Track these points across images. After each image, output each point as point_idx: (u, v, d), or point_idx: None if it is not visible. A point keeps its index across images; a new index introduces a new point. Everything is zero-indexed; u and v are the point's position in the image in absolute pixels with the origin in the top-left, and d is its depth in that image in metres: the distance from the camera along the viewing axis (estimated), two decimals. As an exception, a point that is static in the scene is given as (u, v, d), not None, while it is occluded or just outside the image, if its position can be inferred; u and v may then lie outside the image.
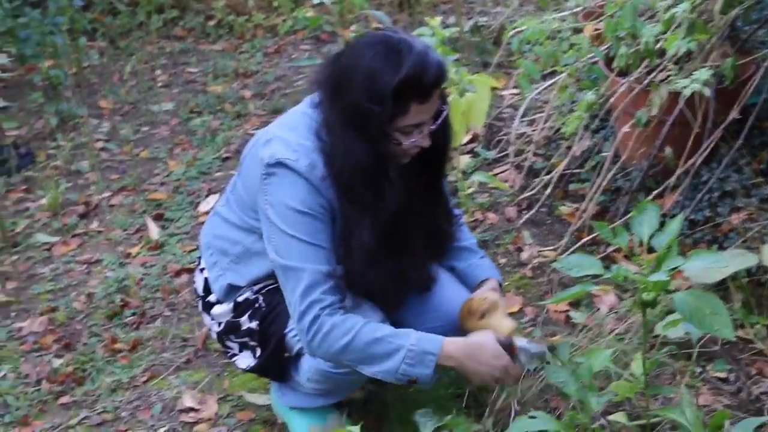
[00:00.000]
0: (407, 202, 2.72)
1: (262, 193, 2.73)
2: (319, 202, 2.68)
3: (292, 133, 2.74)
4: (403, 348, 2.67)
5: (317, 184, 2.66)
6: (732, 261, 3.25)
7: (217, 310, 2.98)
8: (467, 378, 2.80)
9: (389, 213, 2.67)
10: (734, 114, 3.51)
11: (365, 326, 2.67)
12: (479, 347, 2.72)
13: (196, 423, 3.33)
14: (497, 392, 3.04)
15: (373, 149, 2.62)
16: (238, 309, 2.93)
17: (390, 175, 2.65)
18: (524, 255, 3.94)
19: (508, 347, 2.74)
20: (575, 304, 3.64)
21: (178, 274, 4.18)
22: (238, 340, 2.97)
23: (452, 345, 2.71)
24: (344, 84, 2.61)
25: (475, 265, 3.05)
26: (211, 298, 3.00)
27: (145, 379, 3.57)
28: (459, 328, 2.88)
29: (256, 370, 3.00)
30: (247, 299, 2.92)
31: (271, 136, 2.77)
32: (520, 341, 2.77)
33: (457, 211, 3.13)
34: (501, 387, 3.02)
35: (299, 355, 2.90)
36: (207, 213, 4.55)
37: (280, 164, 2.67)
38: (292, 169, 2.66)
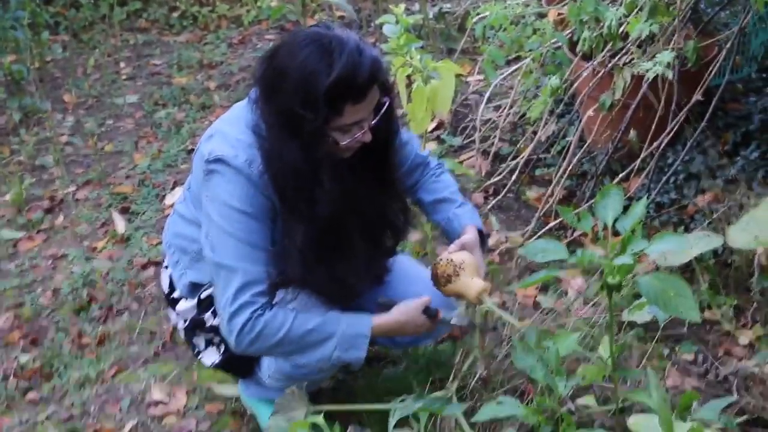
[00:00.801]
0: (349, 204, 2.67)
1: (204, 188, 2.70)
2: (258, 200, 2.64)
3: (232, 128, 2.70)
4: (335, 335, 2.69)
5: (256, 180, 2.62)
6: (697, 243, 3.27)
7: (181, 306, 2.96)
8: None
9: (322, 219, 2.63)
10: (698, 96, 3.52)
11: (295, 320, 2.67)
12: (404, 323, 2.77)
13: (164, 416, 3.30)
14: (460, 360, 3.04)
15: (306, 154, 2.57)
16: (202, 305, 2.91)
17: (323, 181, 2.60)
18: (492, 240, 3.94)
19: (433, 315, 2.78)
20: (544, 289, 3.65)
21: (144, 267, 4.15)
22: (203, 336, 2.95)
23: (379, 323, 2.75)
24: (276, 86, 2.56)
25: (452, 216, 3.02)
26: (176, 294, 2.98)
27: (113, 373, 3.54)
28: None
29: (221, 366, 2.98)
30: (210, 296, 2.89)
31: (213, 131, 2.74)
32: (445, 313, 2.80)
33: (434, 162, 3.12)
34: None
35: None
36: (173, 205, 4.52)
37: (219, 160, 2.64)
38: (231, 165, 2.62)
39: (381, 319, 2.76)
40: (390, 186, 2.87)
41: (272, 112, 2.59)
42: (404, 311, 2.79)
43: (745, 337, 3.22)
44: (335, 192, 2.61)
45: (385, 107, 2.65)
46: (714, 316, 3.29)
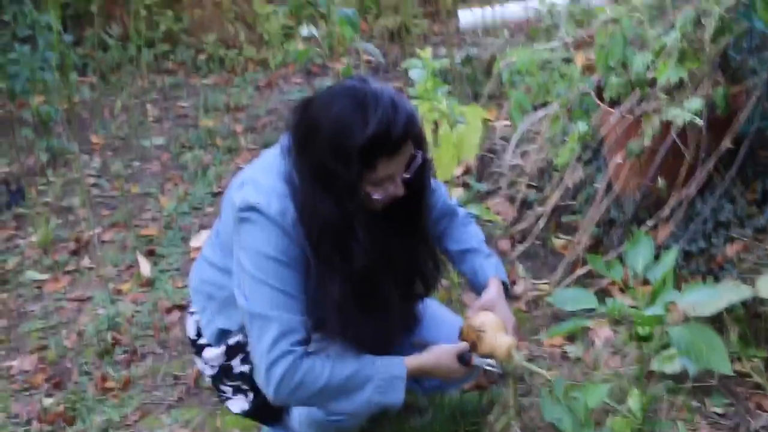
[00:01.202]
0: (381, 255, 2.66)
1: (236, 236, 2.69)
2: (291, 250, 2.62)
3: (264, 177, 2.69)
4: (372, 379, 2.67)
5: (289, 230, 2.61)
6: (727, 293, 3.22)
7: (208, 353, 2.94)
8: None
9: (357, 272, 2.62)
10: (727, 143, 3.48)
11: (334, 368, 2.65)
12: (436, 366, 2.77)
13: (188, 462, 3.29)
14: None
15: (340, 208, 2.56)
16: (230, 353, 2.90)
17: (357, 234, 2.59)
18: (518, 288, 3.91)
19: (467, 361, 2.78)
20: (571, 338, 3.60)
21: (169, 311, 4.14)
22: (231, 383, 2.93)
23: (412, 364, 2.74)
24: (310, 138, 2.56)
25: (478, 268, 3.00)
26: (203, 341, 2.96)
27: (136, 418, 3.53)
28: None
29: (250, 414, 2.96)
30: (238, 342, 2.87)
31: (245, 179, 2.73)
32: (478, 360, 2.79)
33: (462, 211, 3.11)
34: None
35: (289, 401, 2.87)
36: (198, 249, 4.52)
37: (252, 209, 2.62)
38: (264, 214, 2.61)
39: (414, 361, 2.75)
40: (421, 236, 2.85)
41: (305, 165, 2.58)
42: (438, 354, 2.78)
43: (776, 390, 3.16)
44: (369, 245, 2.60)
45: (418, 160, 2.64)
46: (744, 369, 3.24)
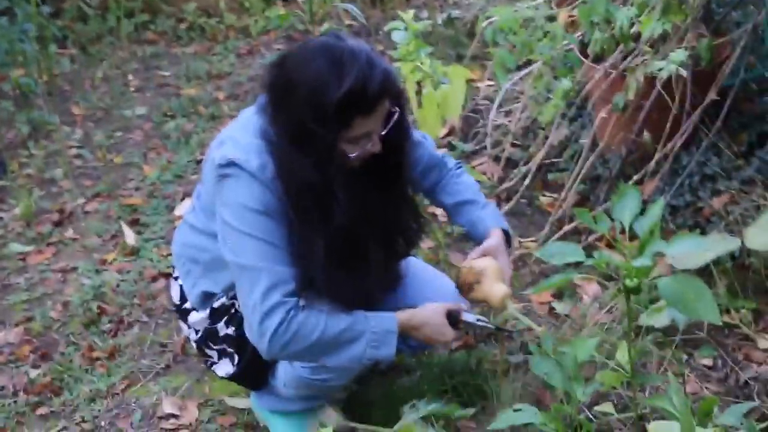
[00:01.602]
0: (361, 213, 2.64)
1: (217, 194, 2.67)
2: (273, 202, 2.60)
3: (242, 134, 2.67)
4: (365, 333, 2.67)
5: (269, 184, 2.59)
6: (714, 245, 3.20)
7: (193, 317, 2.93)
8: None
9: (337, 231, 2.60)
10: (712, 96, 3.47)
11: (329, 320, 2.63)
12: (425, 323, 2.77)
13: (176, 429, 3.27)
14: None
15: (318, 168, 2.54)
16: (214, 315, 2.88)
17: (337, 194, 2.57)
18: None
19: (456, 319, 2.80)
20: (559, 295, 3.60)
21: (155, 279, 4.11)
22: (217, 347, 2.91)
23: (403, 319, 2.75)
24: (286, 97, 2.53)
25: (477, 219, 3.00)
26: (187, 305, 2.94)
27: (123, 386, 3.50)
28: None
29: (235, 377, 2.95)
30: (222, 305, 2.86)
31: (224, 138, 2.72)
32: (468, 316, 2.82)
33: (452, 161, 3.10)
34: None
35: (276, 360, 2.85)
36: (182, 217, 4.49)
37: (232, 164, 2.60)
38: (244, 169, 2.59)
39: (405, 315, 2.75)
40: (401, 192, 2.83)
41: (282, 124, 2.56)
42: (428, 311, 2.79)
43: (765, 342, 3.16)
44: (349, 203, 2.58)
45: (395, 117, 2.61)
46: (732, 320, 3.24)
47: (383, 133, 2.60)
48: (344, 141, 2.55)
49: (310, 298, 2.63)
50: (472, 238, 3.06)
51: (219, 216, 2.66)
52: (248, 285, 2.61)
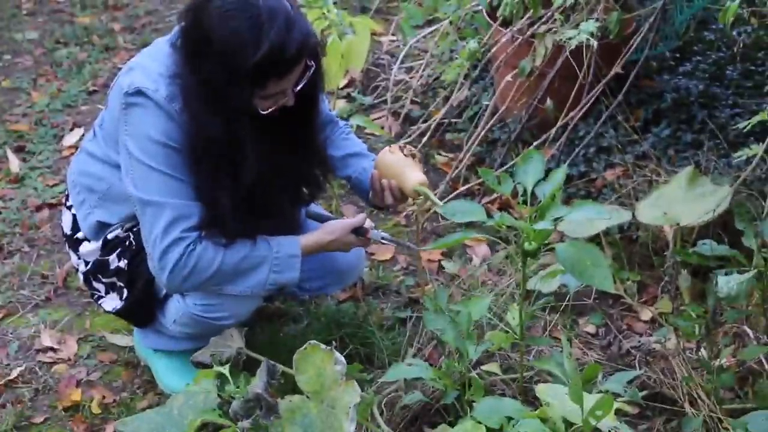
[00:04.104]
0: (271, 168, 2.61)
1: (122, 123, 2.59)
2: (179, 134, 2.55)
3: (153, 62, 2.59)
4: (268, 258, 2.66)
5: (176, 117, 2.53)
6: (609, 216, 3.26)
7: (84, 248, 2.85)
8: None
9: (246, 187, 2.58)
10: (617, 69, 3.51)
11: (227, 252, 2.61)
12: (332, 241, 2.80)
13: (54, 363, 3.19)
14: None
15: (227, 126, 2.50)
16: (107, 247, 2.81)
17: (246, 151, 2.54)
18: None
19: (363, 234, 2.83)
20: (448, 254, 3.61)
21: (38, 209, 3.99)
22: (106, 280, 2.85)
23: (307, 242, 2.75)
24: (201, 52, 2.46)
25: (366, 167, 2.97)
26: (79, 235, 2.86)
27: (0, 316, 3.40)
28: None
29: (122, 312, 2.88)
30: (117, 237, 2.79)
31: (134, 64, 2.64)
32: (374, 233, 2.85)
33: (341, 122, 3.07)
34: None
35: (166, 297, 2.81)
36: (71, 147, 4.37)
37: (139, 93, 2.54)
38: (152, 99, 2.53)
39: (309, 239, 2.76)
40: (311, 141, 2.80)
41: (193, 78, 2.50)
42: (332, 230, 2.80)
43: (646, 313, 3.23)
44: (258, 161, 2.55)
45: (311, 72, 2.57)
46: (617, 291, 3.30)
47: (297, 88, 2.56)
48: (257, 98, 2.51)
49: (212, 234, 2.60)
50: (357, 189, 3.03)
51: (123, 145, 2.59)
52: (150, 220, 2.57)
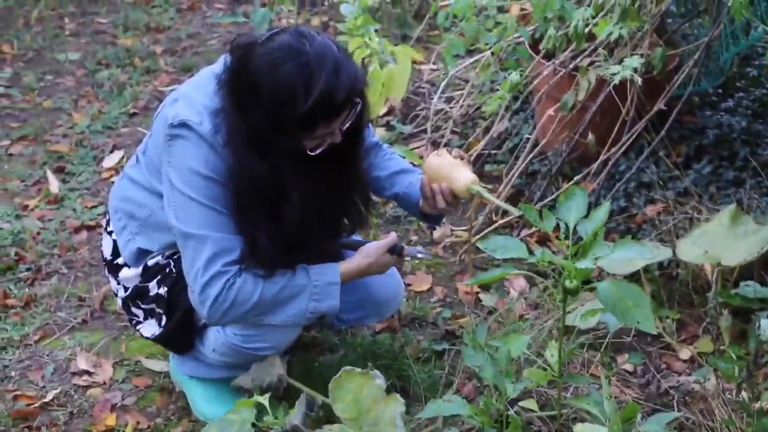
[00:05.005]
0: (315, 209, 2.61)
1: (165, 154, 2.60)
2: (222, 167, 2.55)
3: (198, 94, 2.60)
4: (307, 287, 2.66)
5: (220, 150, 2.54)
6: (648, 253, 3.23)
7: (124, 273, 2.86)
8: None
9: (289, 228, 2.58)
10: (660, 105, 3.49)
11: (267, 283, 2.61)
12: (370, 265, 2.78)
13: (89, 387, 3.19)
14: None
15: (273, 170, 2.51)
16: (147, 273, 2.81)
17: (291, 195, 2.54)
18: (436, 234, 3.88)
19: (399, 251, 2.82)
20: (485, 287, 3.59)
21: (77, 230, 4.01)
22: (145, 306, 2.85)
23: (347, 268, 2.75)
24: (248, 99, 2.46)
25: (414, 181, 2.94)
26: (119, 260, 2.87)
27: (37, 338, 3.41)
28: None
29: (161, 339, 2.88)
30: (157, 263, 2.80)
31: (179, 95, 2.65)
32: (409, 249, 2.84)
33: (386, 146, 3.07)
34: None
35: (205, 325, 2.80)
36: (111, 169, 4.40)
37: (183, 125, 2.54)
38: (196, 131, 2.53)
39: (348, 265, 2.76)
40: (355, 174, 2.79)
41: (240, 121, 2.49)
42: (368, 253, 2.79)
43: (686, 352, 3.19)
44: (302, 203, 2.55)
45: (358, 109, 2.56)
46: (657, 329, 3.26)
47: (345, 126, 2.56)
48: (306, 140, 2.51)
49: (251, 266, 2.60)
50: (407, 207, 3.02)
51: (165, 176, 2.60)
52: (191, 253, 2.58)
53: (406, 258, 2.88)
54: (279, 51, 2.42)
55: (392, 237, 2.83)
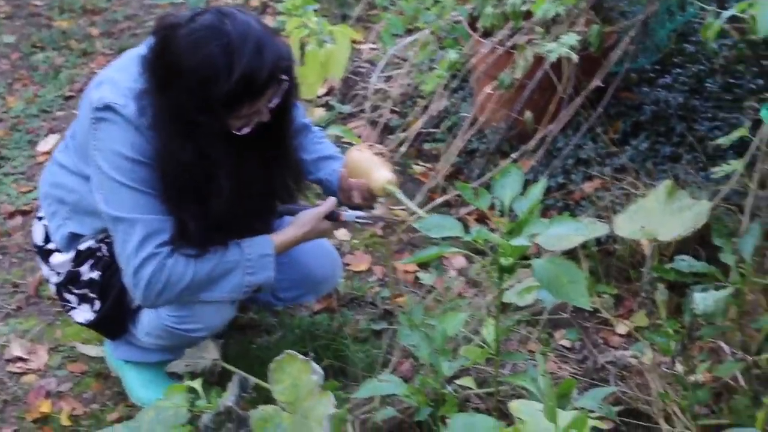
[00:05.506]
0: (243, 190, 2.59)
1: (91, 138, 2.57)
2: (149, 149, 2.52)
3: (122, 76, 2.57)
4: (241, 262, 2.64)
5: (145, 132, 2.51)
6: (587, 229, 3.24)
7: (56, 259, 2.82)
8: None
9: (215, 206, 2.55)
10: (597, 82, 3.48)
11: (199, 261, 2.60)
12: (307, 233, 2.78)
13: (24, 373, 3.16)
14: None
15: (196, 148, 2.48)
16: (79, 258, 2.78)
17: (219, 178, 2.52)
18: (375, 212, 3.86)
19: (336, 217, 2.82)
20: (424, 266, 3.59)
21: (11, 215, 3.96)
22: (78, 291, 2.82)
23: (281, 238, 2.74)
24: (171, 80, 2.44)
25: (338, 170, 2.93)
26: (50, 246, 2.83)
27: (-30, 325, 3.37)
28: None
29: (94, 324, 2.86)
30: (89, 248, 2.77)
31: (103, 78, 2.62)
32: (346, 215, 2.82)
33: (317, 129, 3.05)
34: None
35: (139, 308, 2.78)
36: (46, 153, 4.34)
37: (108, 108, 2.52)
38: (121, 114, 2.50)
39: (283, 235, 2.74)
40: (285, 153, 2.77)
41: (164, 102, 2.47)
42: (303, 222, 2.78)
43: (622, 327, 3.21)
44: (230, 185, 2.53)
45: (285, 87, 2.53)
46: (593, 305, 3.27)
47: (272, 105, 2.53)
48: (231, 119, 2.49)
49: (182, 246, 2.58)
50: (330, 195, 2.98)
51: (93, 160, 2.57)
52: (122, 236, 2.56)
53: (345, 223, 2.85)
54: (201, 31, 2.40)
55: (330, 202, 2.81)
